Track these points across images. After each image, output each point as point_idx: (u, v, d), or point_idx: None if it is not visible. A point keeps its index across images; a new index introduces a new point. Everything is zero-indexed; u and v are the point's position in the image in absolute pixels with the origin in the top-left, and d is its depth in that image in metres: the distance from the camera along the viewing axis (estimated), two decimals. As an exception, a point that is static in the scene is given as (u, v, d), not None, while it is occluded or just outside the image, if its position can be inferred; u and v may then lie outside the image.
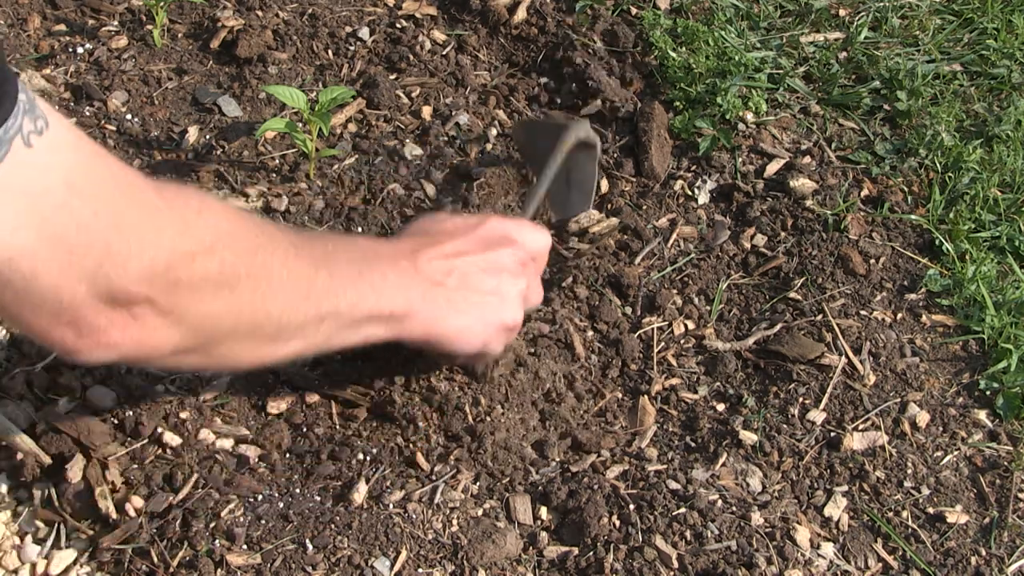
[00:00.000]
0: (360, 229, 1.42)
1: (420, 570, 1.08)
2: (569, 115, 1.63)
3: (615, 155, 1.58)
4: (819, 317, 1.37)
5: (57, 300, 0.71)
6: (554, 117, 1.63)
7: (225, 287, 0.81)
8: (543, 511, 1.17)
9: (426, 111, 1.61)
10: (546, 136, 1.41)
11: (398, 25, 1.74)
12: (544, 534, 1.15)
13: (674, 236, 1.49)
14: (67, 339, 0.75)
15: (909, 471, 1.24)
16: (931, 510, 1.21)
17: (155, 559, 1.06)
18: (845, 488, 1.22)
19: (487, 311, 1.11)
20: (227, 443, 1.18)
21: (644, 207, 1.53)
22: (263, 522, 1.09)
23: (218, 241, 0.80)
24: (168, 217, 0.77)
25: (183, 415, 1.18)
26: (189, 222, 0.78)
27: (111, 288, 0.72)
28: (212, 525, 1.08)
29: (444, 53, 1.71)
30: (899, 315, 1.40)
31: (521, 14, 1.77)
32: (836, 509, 1.20)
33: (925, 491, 1.22)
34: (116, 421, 1.16)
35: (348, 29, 1.72)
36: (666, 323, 1.37)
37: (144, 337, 0.78)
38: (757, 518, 1.16)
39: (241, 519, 1.09)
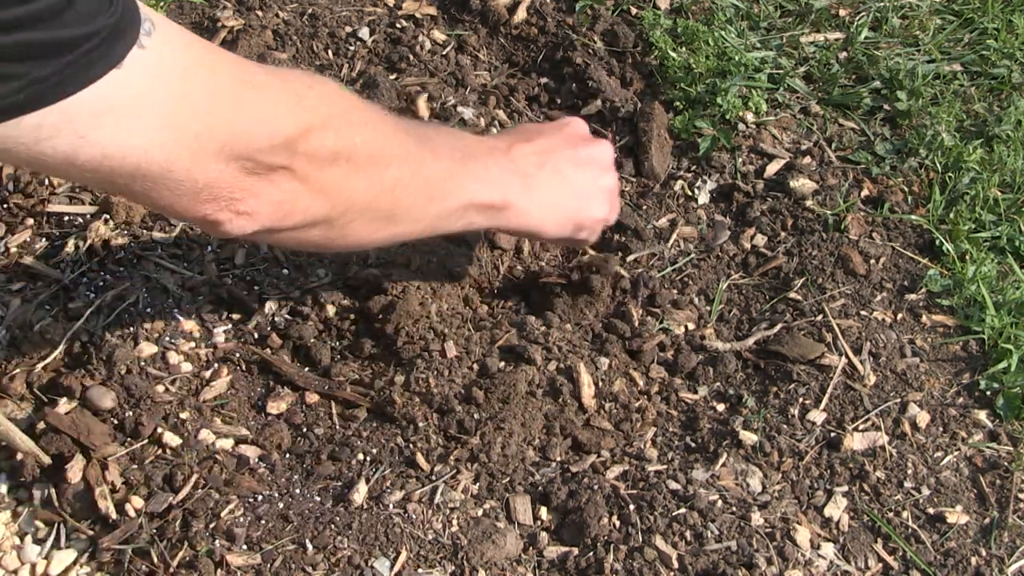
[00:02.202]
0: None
1: (420, 570, 1.08)
2: None
3: (615, 155, 1.58)
4: (819, 317, 1.37)
5: (193, 182, 0.76)
6: None
7: (342, 158, 0.86)
8: (543, 511, 1.17)
9: (426, 111, 1.61)
10: None
11: (398, 25, 1.74)
12: (544, 534, 1.15)
13: (674, 236, 1.49)
14: (209, 213, 0.80)
15: (909, 471, 1.24)
16: (931, 510, 1.21)
17: (155, 559, 1.06)
18: (845, 488, 1.22)
19: (578, 202, 1.16)
20: (227, 443, 1.18)
21: (644, 207, 1.53)
22: (263, 522, 1.09)
23: (331, 115, 0.85)
24: (281, 94, 0.81)
25: (183, 415, 1.18)
26: (302, 97, 0.83)
27: (243, 160, 0.77)
28: (212, 525, 1.08)
29: (444, 53, 1.71)
30: (899, 315, 1.40)
31: (521, 14, 1.76)
32: (836, 509, 1.20)
33: (925, 491, 1.22)
34: (116, 421, 1.16)
35: (348, 29, 1.72)
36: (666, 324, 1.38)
37: (280, 200, 0.82)
38: (757, 518, 1.16)
39: (241, 519, 1.09)
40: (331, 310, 1.30)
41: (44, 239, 1.36)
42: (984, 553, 1.18)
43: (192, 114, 0.74)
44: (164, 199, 0.77)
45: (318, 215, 0.87)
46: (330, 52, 1.68)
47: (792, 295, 1.41)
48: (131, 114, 0.70)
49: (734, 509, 1.17)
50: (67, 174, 0.74)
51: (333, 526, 1.10)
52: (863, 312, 1.39)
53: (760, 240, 1.48)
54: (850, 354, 1.33)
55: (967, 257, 1.45)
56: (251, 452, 1.17)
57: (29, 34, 0.62)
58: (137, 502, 1.10)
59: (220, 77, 0.77)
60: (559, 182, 1.14)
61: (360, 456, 1.18)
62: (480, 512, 1.15)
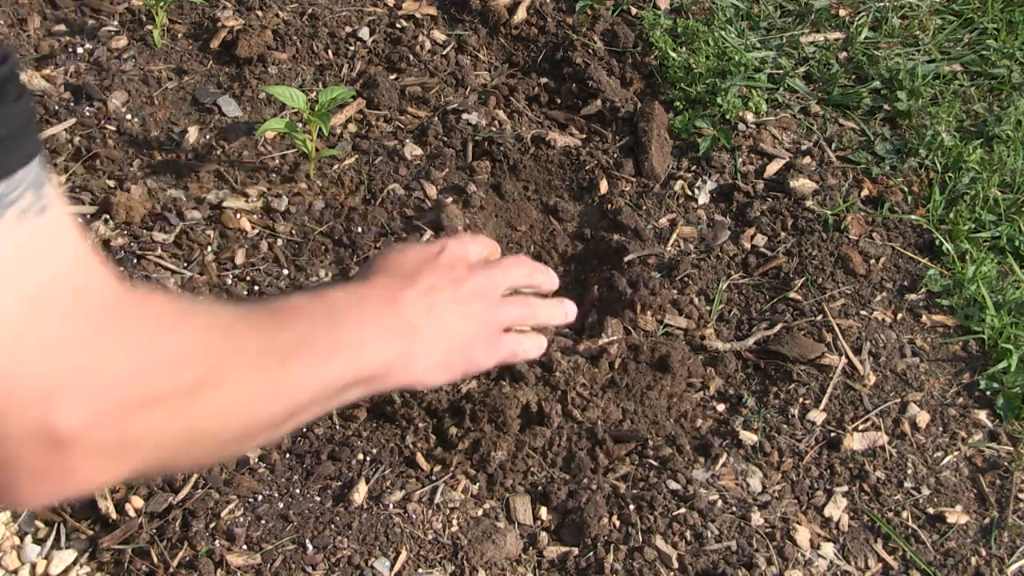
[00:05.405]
0: (360, 229, 1.42)
1: (420, 570, 1.08)
2: None
3: (615, 155, 1.59)
4: (819, 317, 1.37)
5: None
6: None
7: (183, 406, 0.76)
8: (543, 511, 1.17)
9: (426, 111, 1.61)
10: None
11: (398, 25, 1.74)
12: (544, 534, 1.15)
13: (674, 236, 1.49)
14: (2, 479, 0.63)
15: (909, 471, 1.24)
16: (931, 510, 1.21)
17: (155, 559, 1.06)
18: (845, 488, 1.22)
19: (463, 347, 1.04)
20: (227, 443, 1.18)
21: (644, 207, 1.53)
22: (263, 522, 1.09)
23: (181, 359, 0.71)
24: (129, 336, 0.67)
25: (183, 415, 1.18)
26: (153, 343, 0.69)
27: (55, 427, 0.62)
28: (212, 525, 1.08)
29: (444, 53, 1.71)
30: (899, 315, 1.40)
31: (521, 14, 1.77)
32: (836, 509, 1.20)
33: (925, 491, 1.22)
34: (116, 421, 1.16)
35: (348, 29, 1.72)
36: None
37: (89, 479, 0.67)
38: (757, 518, 1.16)
39: (241, 519, 1.09)
40: (331, 310, 1.30)
41: (44, 239, 1.36)
42: (984, 553, 1.18)
43: (30, 341, 0.59)
44: None
45: (143, 468, 0.68)
46: (330, 52, 1.68)
47: (792, 295, 1.41)
48: None
49: (734, 509, 1.17)
50: None
51: (333, 526, 1.10)
52: (863, 312, 1.39)
53: (760, 240, 1.48)
54: (850, 354, 1.33)
55: (967, 257, 1.45)
56: (251, 452, 1.17)
57: None
58: (137, 502, 1.10)
59: (78, 309, 0.56)
60: (445, 327, 0.98)
61: (360, 456, 1.18)
62: (480, 512, 1.15)
